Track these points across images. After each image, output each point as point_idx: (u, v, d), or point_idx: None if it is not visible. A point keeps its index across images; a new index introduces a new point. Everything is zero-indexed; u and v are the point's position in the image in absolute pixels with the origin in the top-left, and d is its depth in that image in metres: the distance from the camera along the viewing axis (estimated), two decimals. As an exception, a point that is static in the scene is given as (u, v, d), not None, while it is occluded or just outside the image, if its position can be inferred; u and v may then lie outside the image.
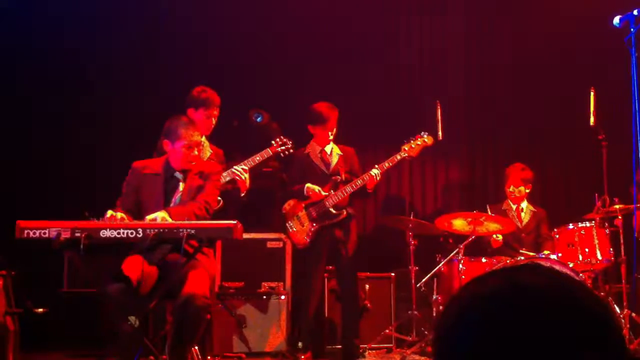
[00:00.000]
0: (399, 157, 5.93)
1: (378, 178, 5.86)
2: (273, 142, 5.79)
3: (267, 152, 5.70)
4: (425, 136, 5.99)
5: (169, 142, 4.53)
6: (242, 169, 5.48)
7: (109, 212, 4.13)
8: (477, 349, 0.91)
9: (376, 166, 5.89)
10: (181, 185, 4.54)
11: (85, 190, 6.48)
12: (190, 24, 7.43)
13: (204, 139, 5.33)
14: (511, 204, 6.59)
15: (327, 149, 6.09)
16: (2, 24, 7.01)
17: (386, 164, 5.89)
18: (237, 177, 5.45)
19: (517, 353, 0.88)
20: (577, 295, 0.95)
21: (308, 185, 5.89)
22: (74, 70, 7.14)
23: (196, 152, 4.61)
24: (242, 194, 5.49)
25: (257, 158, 5.62)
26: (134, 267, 4.15)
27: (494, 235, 6.33)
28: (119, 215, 4.14)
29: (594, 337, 0.91)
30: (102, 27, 7.24)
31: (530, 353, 0.88)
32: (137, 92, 7.07)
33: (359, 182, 5.86)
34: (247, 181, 5.50)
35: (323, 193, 5.85)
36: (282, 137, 5.83)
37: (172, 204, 4.46)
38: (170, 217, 4.20)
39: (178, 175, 4.56)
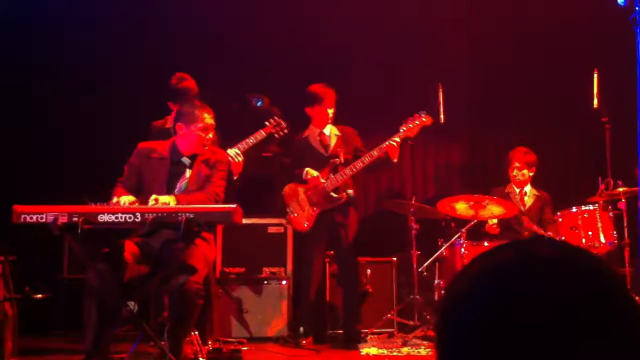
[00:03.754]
0: (398, 139, 5.88)
1: (396, 145, 5.81)
2: (266, 122, 5.73)
3: (261, 134, 5.64)
4: (423, 116, 5.95)
5: (183, 124, 4.49)
6: (236, 152, 5.43)
7: (119, 199, 4.08)
8: (487, 324, 0.86)
9: (393, 139, 5.83)
10: (188, 172, 4.49)
11: (87, 175, 6.46)
12: (189, 9, 7.39)
13: None
14: (515, 187, 6.55)
15: (326, 130, 6.06)
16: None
17: (385, 145, 5.85)
18: (230, 160, 5.39)
19: (532, 327, 0.84)
20: (595, 264, 0.90)
21: (308, 169, 5.86)
22: (74, 67, 7.10)
23: (210, 136, 4.57)
24: (235, 178, 5.44)
25: (251, 140, 5.57)
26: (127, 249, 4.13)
27: (489, 221, 6.28)
28: (128, 199, 4.09)
29: (615, 308, 0.87)
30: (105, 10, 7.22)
31: (547, 327, 0.83)
32: (137, 73, 7.05)
33: (375, 152, 5.81)
34: (241, 164, 5.44)
35: (322, 180, 5.82)
36: (276, 117, 5.77)
37: (176, 190, 4.42)
38: (178, 202, 4.16)
39: (185, 160, 4.51)
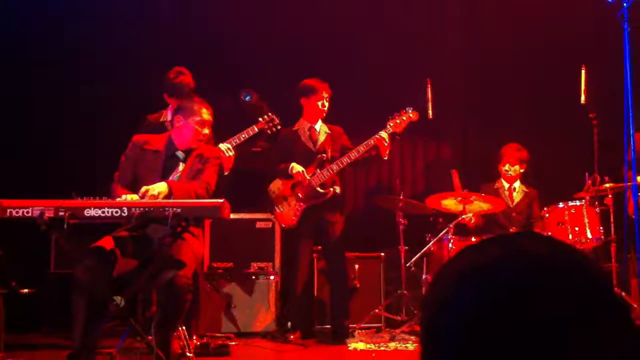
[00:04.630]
0: (385, 134, 5.88)
1: (387, 142, 5.81)
2: (260, 118, 5.73)
3: (253, 129, 5.64)
4: (410, 111, 5.95)
5: (181, 117, 4.55)
6: (227, 147, 5.43)
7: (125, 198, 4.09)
8: (478, 320, 0.86)
9: (382, 133, 5.83)
10: (181, 165, 4.52)
11: (83, 171, 6.46)
12: (188, 7, 7.39)
13: None
14: (504, 182, 6.57)
15: (317, 126, 6.06)
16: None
17: (372, 141, 5.85)
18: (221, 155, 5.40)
19: (521, 322, 0.84)
20: (582, 260, 0.91)
21: (294, 164, 5.85)
22: (74, 53, 7.08)
23: (206, 131, 4.59)
24: (226, 173, 5.44)
25: (243, 135, 5.57)
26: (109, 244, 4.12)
27: (464, 216, 6.24)
28: (132, 197, 4.10)
29: (605, 303, 0.87)
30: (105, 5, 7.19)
31: (536, 321, 0.83)
32: (136, 69, 7.03)
33: (361, 148, 5.81)
34: (232, 159, 5.45)
35: (307, 176, 5.82)
36: (269, 113, 5.77)
37: None
38: (172, 189, 4.19)
39: (179, 154, 4.54)
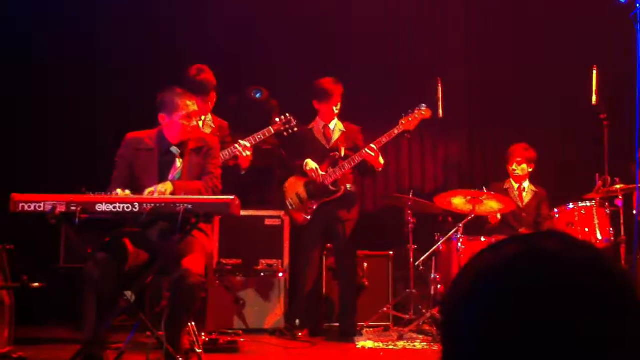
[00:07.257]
0: (396, 131, 5.89)
1: (373, 154, 5.81)
2: (277, 119, 5.68)
3: (270, 131, 5.58)
4: (422, 109, 5.95)
5: (165, 114, 4.39)
6: (245, 145, 5.38)
7: (119, 191, 4.07)
8: (493, 321, 0.86)
9: (371, 145, 5.83)
10: (178, 162, 4.43)
11: (87, 165, 6.48)
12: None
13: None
14: (513, 183, 6.55)
15: (331, 125, 6.08)
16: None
17: (384, 139, 5.87)
18: (238, 154, 5.36)
19: (534, 324, 0.84)
20: (601, 260, 0.90)
21: (308, 161, 5.86)
22: (74, 41, 7.09)
23: (195, 122, 4.52)
24: (243, 172, 5.41)
25: (259, 136, 5.51)
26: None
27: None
28: (126, 193, 4.08)
29: (622, 304, 0.87)
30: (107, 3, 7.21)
31: (553, 323, 0.83)
32: (136, 64, 7.04)
33: (357, 159, 5.83)
34: (249, 159, 5.41)
35: (321, 172, 5.82)
36: (286, 115, 5.72)
37: (168, 180, 4.40)
38: (175, 189, 4.15)
39: (174, 150, 4.41)
